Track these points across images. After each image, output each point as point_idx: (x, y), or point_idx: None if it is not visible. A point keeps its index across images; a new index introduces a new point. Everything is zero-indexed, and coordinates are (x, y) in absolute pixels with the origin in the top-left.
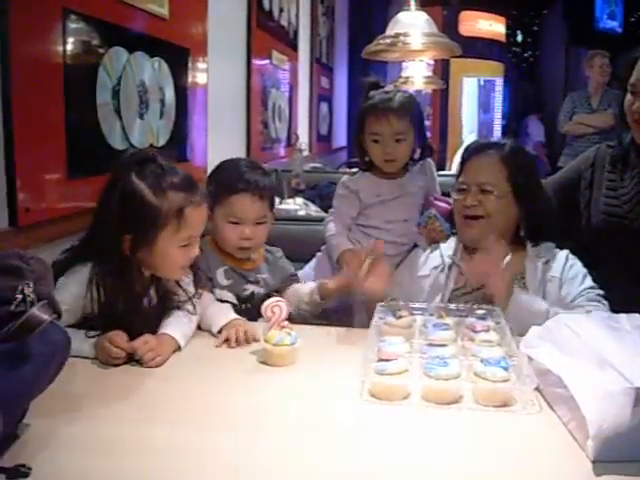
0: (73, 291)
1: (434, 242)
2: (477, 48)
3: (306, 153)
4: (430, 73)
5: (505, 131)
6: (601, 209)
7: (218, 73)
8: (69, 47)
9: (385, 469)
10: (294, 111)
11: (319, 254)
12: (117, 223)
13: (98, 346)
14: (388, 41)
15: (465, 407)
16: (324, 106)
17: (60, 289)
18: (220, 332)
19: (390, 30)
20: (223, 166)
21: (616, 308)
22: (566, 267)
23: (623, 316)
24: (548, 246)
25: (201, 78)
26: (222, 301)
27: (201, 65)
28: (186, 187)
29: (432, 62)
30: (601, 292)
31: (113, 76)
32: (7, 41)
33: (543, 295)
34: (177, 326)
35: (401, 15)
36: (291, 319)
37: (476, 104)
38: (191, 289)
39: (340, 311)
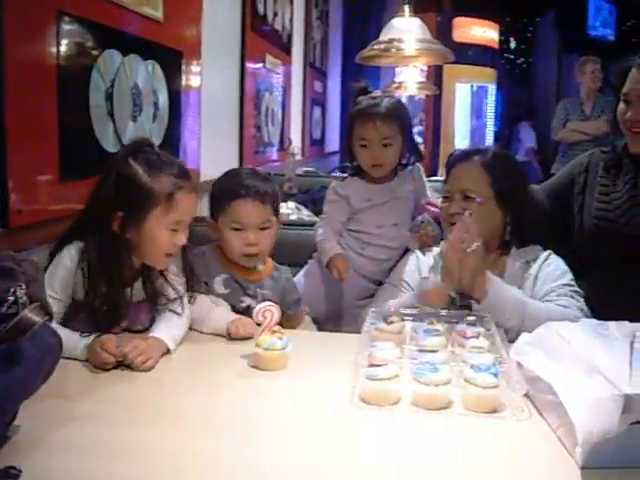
0: (62, 275)
1: (426, 246)
2: (470, 54)
3: (299, 157)
4: (423, 79)
5: (497, 137)
6: (593, 214)
7: (212, 76)
8: (63, 49)
9: (375, 474)
10: (287, 115)
11: (311, 261)
12: (110, 201)
13: (90, 350)
14: (382, 46)
15: (455, 413)
16: (317, 110)
17: (50, 276)
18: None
19: (384, 35)
20: (225, 175)
21: (610, 313)
22: (543, 265)
23: (612, 323)
24: (534, 248)
25: (195, 81)
26: None
27: (195, 68)
28: (179, 173)
29: (425, 68)
30: (578, 289)
31: (107, 78)
32: (1, 42)
33: None
34: (167, 329)
35: (395, 21)
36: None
37: (469, 110)
38: (181, 290)
39: (332, 318)
